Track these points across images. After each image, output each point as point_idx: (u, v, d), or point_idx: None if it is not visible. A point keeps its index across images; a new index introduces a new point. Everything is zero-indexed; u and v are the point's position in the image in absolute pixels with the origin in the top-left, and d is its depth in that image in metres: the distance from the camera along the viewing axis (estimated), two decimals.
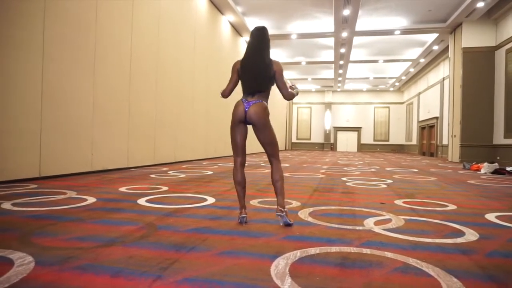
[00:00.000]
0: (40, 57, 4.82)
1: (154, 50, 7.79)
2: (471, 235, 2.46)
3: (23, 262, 1.72)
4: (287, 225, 2.57)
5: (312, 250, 2.02)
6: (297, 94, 2.86)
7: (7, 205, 3.08)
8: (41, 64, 4.83)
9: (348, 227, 2.60)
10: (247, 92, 2.63)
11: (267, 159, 12.20)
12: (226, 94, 2.77)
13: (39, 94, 4.82)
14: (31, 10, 4.68)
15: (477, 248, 2.16)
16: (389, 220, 2.85)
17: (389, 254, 1.98)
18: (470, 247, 2.18)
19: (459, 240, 2.33)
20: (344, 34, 14.37)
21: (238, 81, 2.74)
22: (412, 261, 1.87)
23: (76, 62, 5.49)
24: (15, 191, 3.88)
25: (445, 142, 17.13)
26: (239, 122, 2.63)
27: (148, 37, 7.57)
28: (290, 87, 2.81)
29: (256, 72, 2.60)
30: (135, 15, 6.98)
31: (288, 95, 2.74)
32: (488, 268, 1.81)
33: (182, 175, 5.98)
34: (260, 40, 2.65)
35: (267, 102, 2.67)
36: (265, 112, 2.61)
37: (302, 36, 15.00)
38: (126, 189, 4.26)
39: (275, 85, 2.71)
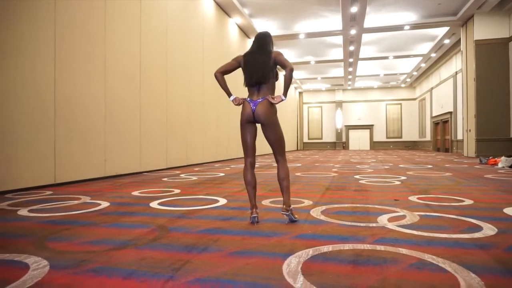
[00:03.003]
0: (52, 67, 4.91)
1: (163, 55, 7.86)
2: (489, 229, 2.40)
3: (38, 266, 1.74)
4: (292, 221, 2.62)
5: (325, 248, 2.00)
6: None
7: (23, 212, 3.14)
8: (53, 73, 4.93)
9: (361, 224, 2.56)
10: (251, 84, 2.64)
11: None
12: (218, 71, 2.67)
13: (52, 102, 4.91)
14: (42, 21, 4.78)
15: (495, 242, 2.10)
16: (403, 217, 2.80)
17: (403, 251, 1.94)
18: (489, 241, 2.12)
19: (476, 235, 2.27)
20: (353, 32, 14.25)
21: (233, 70, 2.74)
22: (427, 257, 1.83)
23: (86, 70, 5.58)
24: (32, 198, 3.95)
25: (459, 137, 16.79)
26: (247, 122, 2.66)
27: (157, 43, 7.64)
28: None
29: (259, 62, 2.63)
30: (143, 22, 7.07)
31: (289, 65, 2.56)
32: (508, 263, 1.76)
33: (194, 178, 6.00)
34: (261, 38, 2.73)
35: None
36: (272, 110, 2.63)
37: (310, 35, 14.94)
38: (139, 193, 4.30)
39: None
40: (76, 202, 3.66)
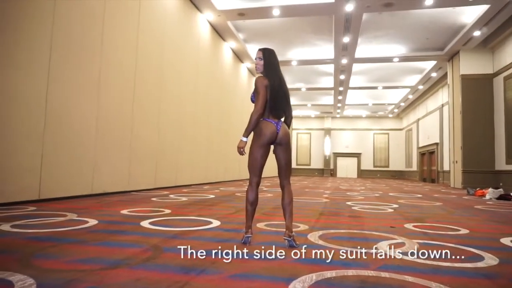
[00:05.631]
0: (45, 79, 4.82)
1: (157, 75, 7.86)
2: (490, 259, 2.36)
3: (23, 285, 1.61)
4: (292, 246, 2.51)
5: (328, 274, 1.92)
6: None
7: (5, 227, 2.97)
8: (46, 86, 4.83)
9: (362, 250, 2.49)
10: (278, 113, 2.64)
11: (268, 183, 11.84)
12: (262, 110, 2.57)
13: (42, 116, 4.79)
14: (39, 33, 4.73)
15: (500, 272, 2.07)
16: (403, 244, 2.75)
17: (409, 278, 1.88)
18: (493, 271, 2.08)
19: (479, 264, 2.23)
20: (344, 61, 14.61)
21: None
22: (435, 286, 1.77)
23: (81, 85, 5.50)
24: (14, 213, 3.76)
25: (446, 168, 17.05)
26: (268, 143, 2.61)
27: (152, 63, 7.65)
28: None
29: (288, 97, 2.70)
30: (140, 42, 7.08)
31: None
32: None
33: (184, 199, 5.86)
34: (277, 61, 2.74)
35: None
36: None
37: (303, 62, 15.24)
38: (128, 211, 4.15)
39: None
40: (62, 219, 3.50)
